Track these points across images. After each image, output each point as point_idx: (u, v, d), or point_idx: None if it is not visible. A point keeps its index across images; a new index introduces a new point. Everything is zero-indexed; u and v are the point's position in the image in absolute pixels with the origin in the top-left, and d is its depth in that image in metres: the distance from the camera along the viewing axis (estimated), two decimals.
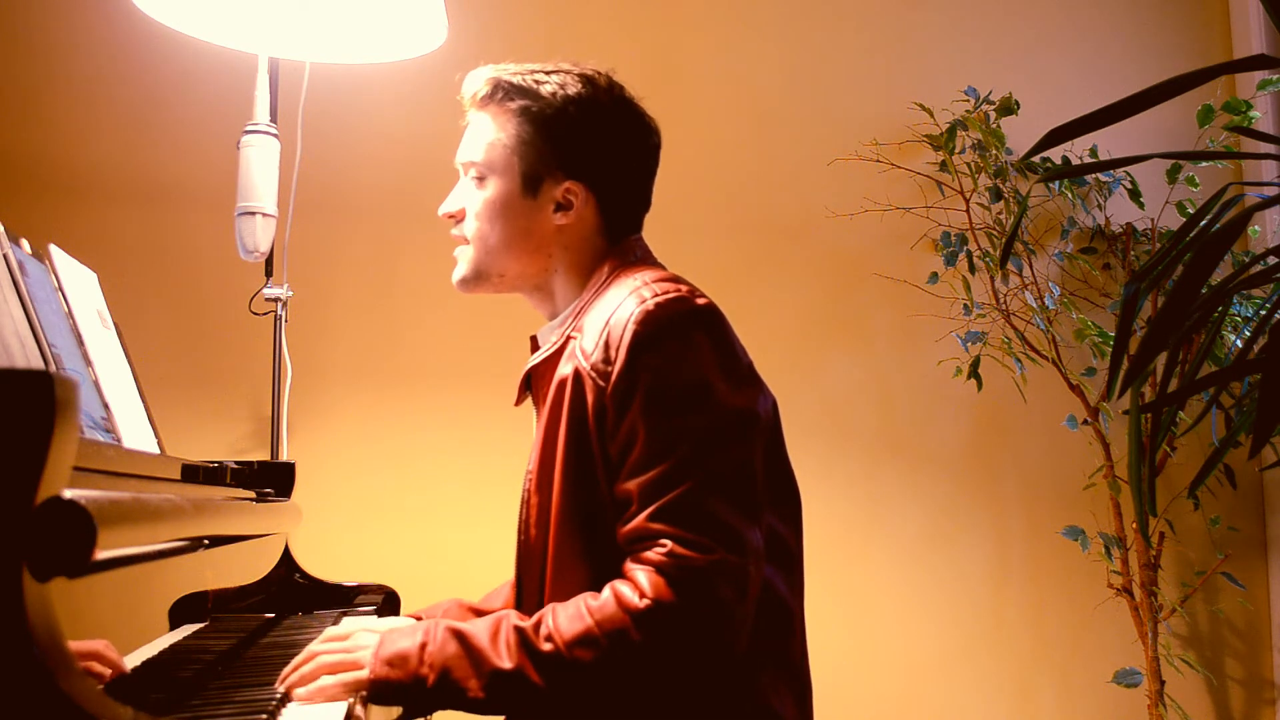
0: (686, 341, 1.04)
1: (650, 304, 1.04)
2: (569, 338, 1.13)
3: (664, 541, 0.98)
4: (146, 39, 2.04)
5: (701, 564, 0.96)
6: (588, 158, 1.17)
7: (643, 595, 0.96)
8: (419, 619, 1.27)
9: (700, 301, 1.07)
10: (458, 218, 1.22)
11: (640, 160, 1.22)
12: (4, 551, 0.55)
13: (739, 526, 1.00)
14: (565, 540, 1.07)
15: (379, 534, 2.08)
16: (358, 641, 1.04)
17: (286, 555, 1.53)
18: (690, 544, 0.97)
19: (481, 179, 1.20)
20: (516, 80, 1.17)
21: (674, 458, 1.00)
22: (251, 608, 1.38)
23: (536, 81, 1.17)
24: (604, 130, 1.18)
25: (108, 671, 0.75)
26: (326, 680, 1.00)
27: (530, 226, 1.18)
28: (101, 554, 0.59)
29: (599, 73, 1.20)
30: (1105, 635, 2.37)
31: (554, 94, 1.16)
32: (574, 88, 1.17)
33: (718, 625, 0.97)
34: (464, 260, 1.22)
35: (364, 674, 0.99)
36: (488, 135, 1.19)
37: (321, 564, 1.57)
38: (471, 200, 1.21)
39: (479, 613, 1.32)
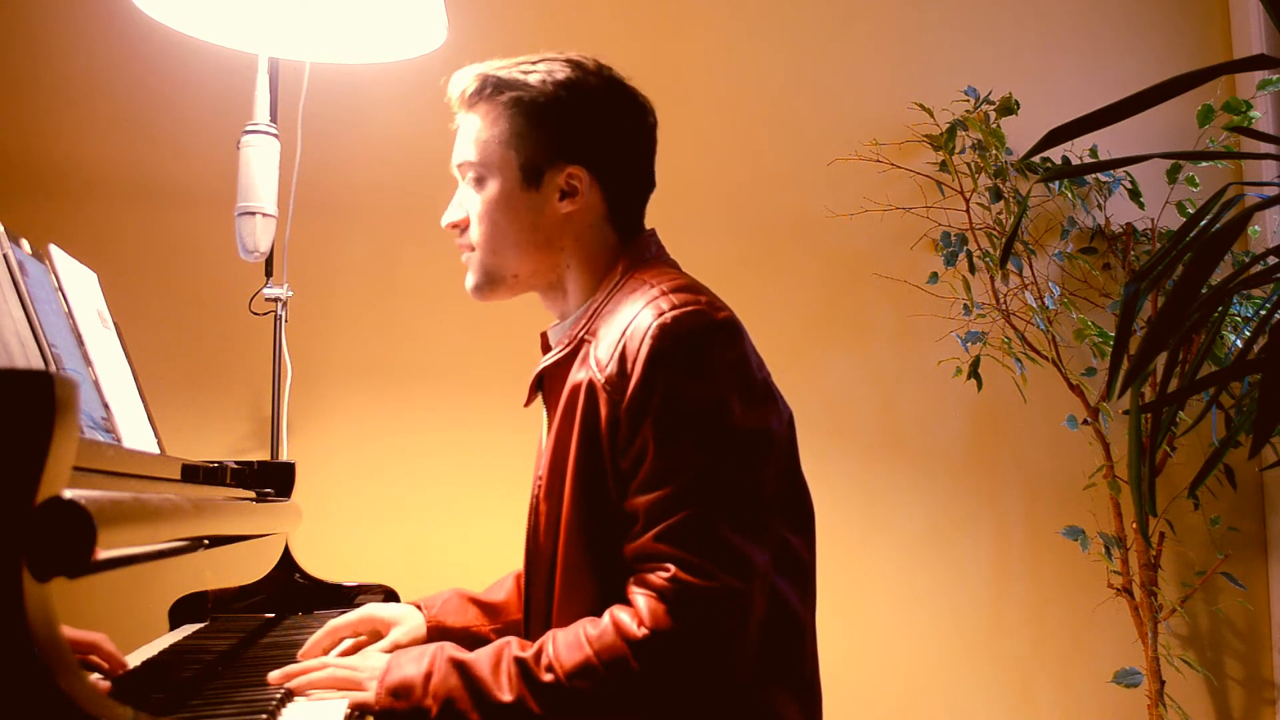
0: (704, 358, 1.02)
1: (668, 316, 1.02)
2: (583, 341, 1.11)
3: (668, 565, 0.96)
4: (146, 39, 2.04)
5: (703, 590, 0.95)
6: (586, 141, 1.15)
7: (641, 623, 0.95)
8: (418, 606, 1.28)
9: (720, 315, 1.04)
10: (461, 226, 1.19)
11: (638, 139, 1.20)
12: (4, 551, 0.55)
13: (745, 550, 0.98)
14: (574, 549, 1.06)
15: (379, 534, 2.08)
16: (365, 661, 1.06)
17: (286, 555, 1.53)
18: (694, 569, 0.95)
19: (480, 180, 1.17)
20: (503, 74, 1.15)
21: (683, 478, 0.98)
22: (251, 608, 1.38)
23: (523, 72, 1.15)
24: (598, 112, 1.16)
25: (106, 666, 0.75)
26: (331, 695, 1.02)
27: (537, 220, 1.15)
28: (101, 554, 0.59)
29: (584, 57, 1.18)
30: (1105, 635, 2.37)
31: (543, 81, 1.14)
32: (562, 73, 1.15)
33: (717, 652, 0.96)
34: (474, 267, 1.19)
35: (368, 697, 1.00)
36: (480, 133, 1.16)
37: (321, 564, 1.57)
38: (473, 204, 1.18)
39: (480, 604, 1.32)
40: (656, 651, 0.94)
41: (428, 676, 0.99)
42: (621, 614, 0.97)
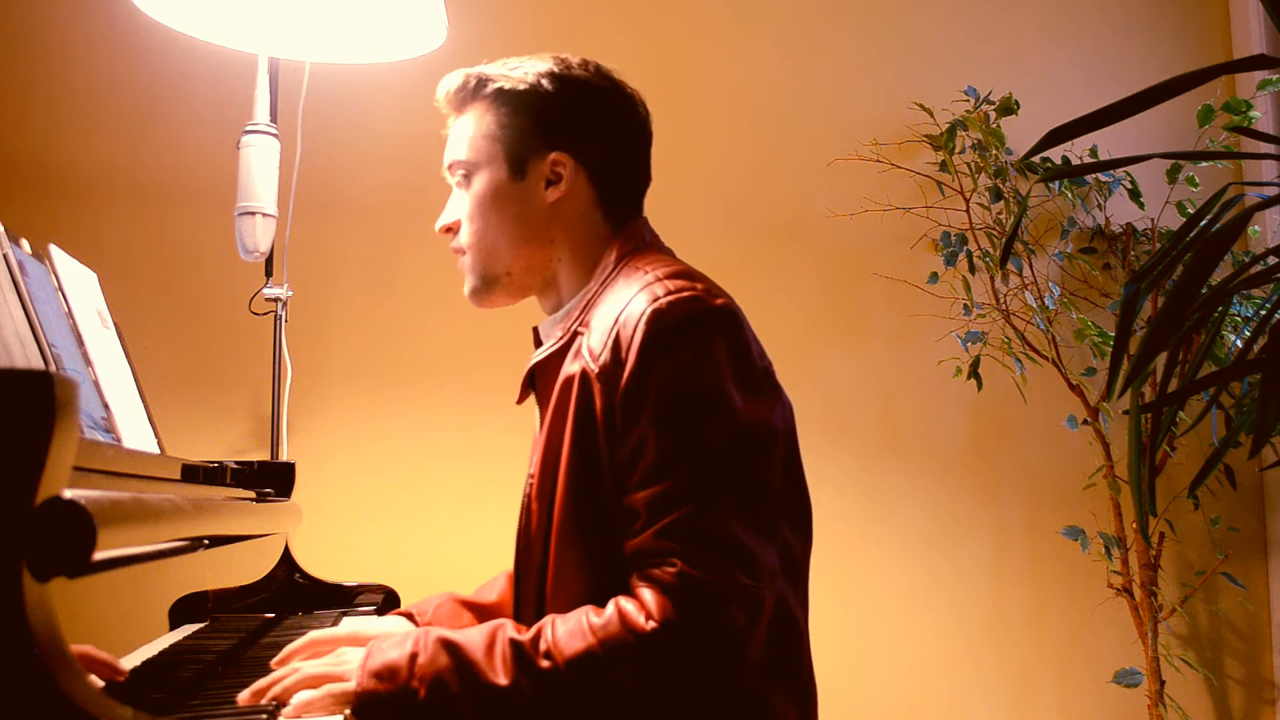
0: (701, 346, 0.98)
1: (663, 302, 0.99)
2: (576, 333, 1.09)
3: (673, 560, 0.93)
4: (146, 39, 2.04)
5: (712, 585, 0.92)
6: (570, 128, 1.15)
7: (649, 617, 0.91)
8: (410, 615, 1.24)
9: (717, 302, 1.01)
10: (454, 229, 1.19)
11: (627, 128, 1.19)
12: (4, 551, 0.55)
13: (753, 547, 0.95)
14: (566, 548, 1.04)
15: (379, 534, 2.08)
16: (343, 656, 1.00)
17: (286, 555, 1.53)
18: (700, 563, 0.92)
19: (468, 175, 1.17)
20: (489, 70, 1.17)
21: (684, 472, 0.95)
22: (251, 608, 1.38)
23: (509, 69, 1.17)
24: (583, 100, 1.16)
25: (101, 684, 0.74)
26: (309, 694, 0.94)
27: (524, 210, 1.15)
28: (101, 554, 0.59)
29: (572, 56, 1.19)
30: (1105, 635, 2.37)
31: (525, 74, 1.15)
32: (545, 65, 1.16)
33: (727, 650, 0.93)
34: (468, 270, 1.19)
35: (350, 686, 0.94)
36: (467, 130, 1.17)
37: (321, 564, 1.57)
38: (464, 205, 1.18)
39: (472, 606, 1.29)
40: (664, 646, 0.91)
41: (413, 657, 0.94)
42: (627, 605, 0.93)
